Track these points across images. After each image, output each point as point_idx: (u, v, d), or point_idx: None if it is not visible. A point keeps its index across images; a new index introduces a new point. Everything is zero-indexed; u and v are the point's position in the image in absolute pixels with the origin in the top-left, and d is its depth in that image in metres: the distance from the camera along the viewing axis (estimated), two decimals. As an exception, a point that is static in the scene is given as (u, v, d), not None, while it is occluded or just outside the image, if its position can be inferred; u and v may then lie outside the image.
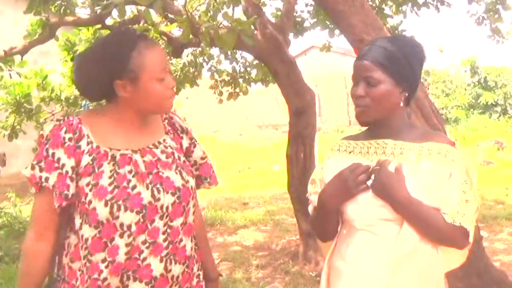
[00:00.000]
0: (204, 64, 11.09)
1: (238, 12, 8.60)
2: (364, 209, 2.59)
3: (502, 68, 32.86)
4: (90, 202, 2.48)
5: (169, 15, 7.35)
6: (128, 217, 2.47)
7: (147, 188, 2.54)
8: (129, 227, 2.48)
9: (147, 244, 2.52)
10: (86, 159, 2.54)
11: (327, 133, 29.03)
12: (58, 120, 2.64)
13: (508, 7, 9.27)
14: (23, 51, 7.68)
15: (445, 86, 33.23)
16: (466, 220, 2.51)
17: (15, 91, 8.24)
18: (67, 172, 2.52)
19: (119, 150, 2.59)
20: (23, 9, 6.91)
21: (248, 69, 11.07)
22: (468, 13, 9.85)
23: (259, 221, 11.19)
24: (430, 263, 2.59)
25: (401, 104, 2.63)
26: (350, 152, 2.77)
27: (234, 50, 9.90)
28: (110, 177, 2.50)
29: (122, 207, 2.47)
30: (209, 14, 8.07)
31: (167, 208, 2.56)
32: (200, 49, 10.23)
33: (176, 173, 2.65)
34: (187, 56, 10.84)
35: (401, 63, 2.59)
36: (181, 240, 2.63)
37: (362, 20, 5.25)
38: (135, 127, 2.69)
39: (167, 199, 2.56)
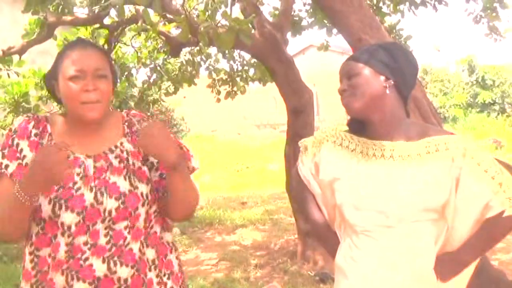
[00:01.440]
0: (202, 63, 11.09)
1: (236, 11, 8.59)
2: (362, 215, 2.60)
3: (500, 66, 32.94)
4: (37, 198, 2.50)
5: (168, 15, 7.35)
6: (68, 217, 2.50)
7: (91, 191, 2.55)
8: (69, 227, 2.51)
9: (88, 246, 2.53)
10: (33, 155, 2.59)
11: (325, 132, 29.03)
12: (27, 115, 2.74)
13: (505, 6, 9.28)
14: (21, 51, 7.68)
15: (443, 85, 33.31)
16: None
17: (13, 90, 8.23)
18: (26, 164, 2.57)
19: (73, 153, 2.61)
20: (21, 8, 6.89)
21: (246, 68, 11.07)
22: (466, 12, 9.86)
23: (257, 221, 11.19)
24: (429, 268, 2.60)
25: (387, 92, 2.62)
26: (352, 151, 2.73)
27: (232, 49, 9.90)
28: None
29: (64, 206, 2.50)
30: (207, 13, 8.05)
31: (110, 212, 2.55)
32: (197, 48, 10.23)
33: (125, 179, 2.64)
34: (184, 55, 10.85)
35: (377, 52, 2.66)
36: (128, 244, 2.59)
37: (360, 19, 5.26)
38: (90, 132, 2.71)
39: (110, 203, 2.55)
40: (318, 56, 30.36)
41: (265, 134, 30.77)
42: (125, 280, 2.57)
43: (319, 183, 2.85)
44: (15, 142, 2.62)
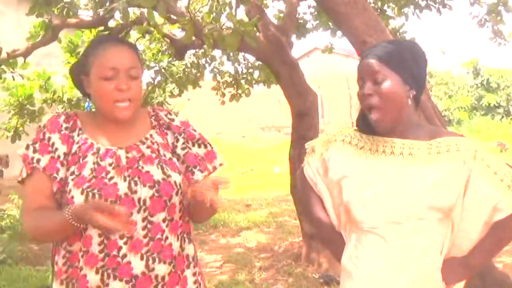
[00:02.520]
0: (207, 65, 11.09)
1: (240, 14, 8.60)
2: (369, 212, 2.59)
3: (505, 70, 32.90)
4: (70, 191, 2.51)
5: (172, 17, 7.35)
6: None
7: (124, 180, 2.54)
8: None
9: (124, 239, 2.49)
10: (74, 148, 2.60)
11: (329, 135, 29.03)
12: (57, 112, 2.75)
13: (510, 9, 9.24)
14: (26, 53, 7.68)
15: (448, 88, 33.29)
16: None
17: (18, 93, 8.26)
18: (59, 156, 2.58)
19: (104, 145, 2.64)
20: (25, 11, 6.91)
21: (251, 70, 11.06)
22: (470, 15, 9.85)
23: (262, 223, 11.20)
24: (435, 267, 2.60)
25: (409, 103, 2.61)
26: (361, 148, 2.72)
27: (237, 52, 9.90)
28: (91, 169, 2.54)
29: (97, 195, 2.47)
30: (211, 16, 8.06)
31: (144, 201, 2.53)
32: (202, 50, 10.24)
33: (158, 167, 2.62)
34: (189, 57, 10.84)
35: (406, 60, 2.57)
36: (166, 238, 2.57)
37: (365, 22, 5.25)
38: (120, 127, 2.69)
39: (144, 192, 2.53)
40: (323, 58, 30.27)
41: (270, 137, 30.76)
42: (163, 278, 2.55)
43: (326, 184, 2.82)
44: (46, 136, 2.61)
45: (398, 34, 9.52)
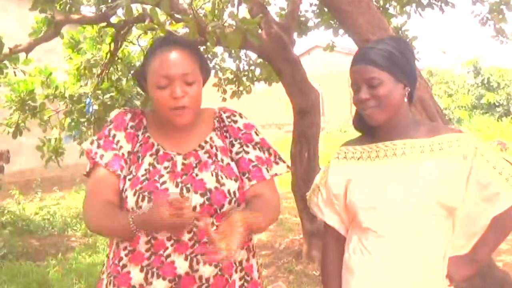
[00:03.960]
0: (208, 62, 11.07)
1: (243, 12, 8.59)
2: (377, 213, 2.61)
3: (505, 69, 32.90)
4: (125, 190, 2.57)
5: (175, 14, 7.35)
6: None
7: (176, 186, 2.55)
8: None
9: (171, 241, 2.50)
10: (137, 147, 2.67)
11: (330, 133, 29.07)
12: (124, 108, 2.77)
13: (512, 7, 9.26)
14: (28, 49, 7.67)
15: (448, 87, 33.30)
16: None
17: (19, 89, 8.25)
18: (123, 154, 2.65)
19: (164, 149, 2.67)
20: (27, 6, 6.91)
21: (252, 67, 11.05)
22: (472, 14, 9.85)
23: (262, 220, 11.17)
24: (438, 265, 2.62)
25: (405, 100, 2.64)
26: (358, 159, 2.75)
27: (239, 49, 9.89)
28: (146, 170, 2.59)
29: (147, 198, 2.50)
30: (214, 13, 8.06)
31: (194, 207, 2.49)
32: (204, 47, 10.23)
33: (212, 174, 2.61)
34: (191, 54, 10.81)
35: (398, 59, 2.59)
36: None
37: (368, 20, 5.26)
38: (181, 129, 2.70)
39: (194, 199, 2.51)
40: (324, 56, 30.32)
41: (270, 134, 30.72)
42: (207, 279, 2.53)
43: (334, 202, 2.83)
44: (111, 133, 2.67)
45: (400, 32, 9.52)
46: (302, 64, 7.94)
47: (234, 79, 11.15)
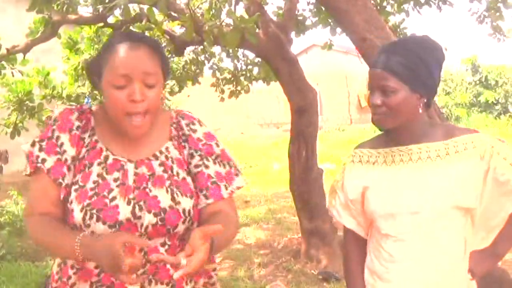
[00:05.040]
0: (206, 62, 11.09)
1: (240, 11, 8.60)
2: (396, 220, 2.61)
3: (503, 66, 32.96)
4: (71, 202, 2.32)
5: (172, 14, 7.36)
6: (99, 228, 2.27)
7: (128, 203, 2.32)
8: None
9: None
10: (83, 152, 2.40)
11: (328, 132, 29.07)
12: (70, 105, 2.50)
13: (509, 5, 9.24)
14: (26, 49, 7.68)
15: (446, 85, 33.33)
16: None
17: (17, 89, 8.26)
18: (66, 160, 2.38)
19: (114, 154, 2.42)
20: (25, 7, 6.91)
21: (250, 67, 11.07)
22: (470, 12, 9.85)
23: (260, 219, 11.20)
24: (459, 260, 2.64)
25: (420, 111, 2.58)
26: (374, 163, 2.72)
27: (236, 48, 9.90)
28: (94, 182, 2.33)
29: (95, 217, 2.27)
30: (211, 12, 8.07)
31: (146, 227, 2.31)
32: (201, 47, 10.25)
33: (167, 191, 2.38)
34: (188, 54, 10.84)
35: (417, 69, 2.51)
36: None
37: (365, 19, 5.26)
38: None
39: (147, 219, 2.31)
40: (321, 55, 30.37)
41: (268, 133, 30.78)
42: None
43: (351, 207, 2.82)
44: (55, 135, 2.39)
45: (398, 30, 9.52)
46: (300, 63, 7.94)
47: (232, 78, 11.18)
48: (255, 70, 10.99)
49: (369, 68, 2.63)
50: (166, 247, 2.37)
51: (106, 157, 2.40)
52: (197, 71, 10.90)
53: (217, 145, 2.60)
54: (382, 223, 2.65)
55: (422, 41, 2.62)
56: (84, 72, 8.61)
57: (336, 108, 33.31)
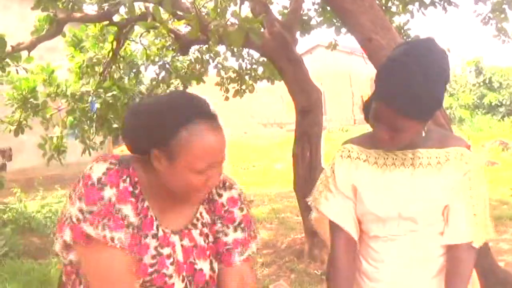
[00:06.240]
0: (211, 61, 11.10)
1: (245, 10, 8.60)
2: (389, 227, 2.61)
3: (507, 68, 32.92)
4: None
5: (178, 12, 7.36)
6: None
7: (182, 281, 2.24)
8: None
9: None
10: (137, 221, 2.16)
11: (332, 132, 29.07)
12: (111, 163, 2.16)
13: (514, 7, 9.28)
14: (30, 47, 7.69)
15: (450, 86, 33.28)
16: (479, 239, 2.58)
17: (22, 86, 8.26)
18: (132, 231, 2.12)
19: (161, 225, 2.24)
20: (29, 4, 6.93)
21: (255, 66, 11.07)
22: (475, 13, 9.86)
23: (264, 219, 11.19)
24: (440, 269, 2.63)
25: (423, 134, 2.53)
26: (364, 161, 2.68)
27: (241, 48, 9.90)
28: (153, 257, 2.17)
29: None
30: (217, 11, 8.06)
31: None
32: (206, 46, 10.25)
33: (209, 263, 2.33)
34: (193, 53, 10.85)
35: (429, 106, 2.38)
36: None
37: (371, 19, 5.25)
38: (174, 201, 2.27)
39: None
40: (325, 56, 30.32)
41: (272, 133, 30.77)
42: None
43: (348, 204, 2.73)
44: (116, 208, 2.08)
45: (402, 31, 9.53)
46: (304, 63, 7.94)
47: (237, 77, 11.18)
48: (260, 69, 11.00)
49: (379, 100, 2.43)
50: None
51: (157, 228, 2.22)
52: (202, 70, 10.90)
53: (241, 210, 2.46)
54: (371, 225, 2.64)
55: (435, 61, 2.40)
56: (88, 70, 8.63)
57: (340, 108, 33.32)
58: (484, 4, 9.59)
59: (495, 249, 7.82)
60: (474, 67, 33.64)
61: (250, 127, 32.10)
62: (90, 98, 8.59)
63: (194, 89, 13.38)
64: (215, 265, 2.36)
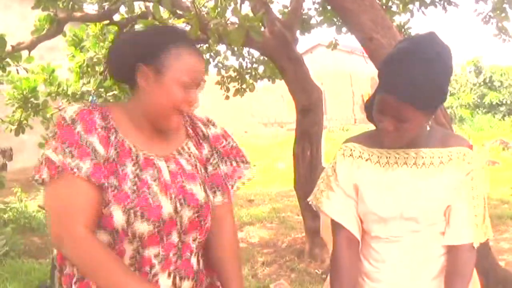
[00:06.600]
0: (211, 60, 11.09)
1: (246, 9, 8.60)
2: (391, 227, 2.60)
3: (508, 67, 32.91)
4: (108, 205, 2.20)
5: (178, 11, 7.35)
6: (143, 227, 2.21)
7: (171, 199, 2.30)
8: (140, 236, 2.22)
9: (159, 258, 2.28)
10: (111, 153, 2.25)
11: (332, 131, 29.06)
12: (84, 103, 2.33)
13: (514, 6, 9.27)
14: (31, 47, 7.69)
15: (450, 85, 33.25)
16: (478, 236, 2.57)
17: (22, 86, 8.25)
18: (99, 162, 2.21)
19: (142, 150, 2.33)
20: (30, 4, 6.93)
21: (255, 65, 11.06)
22: (475, 12, 9.85)
23: (264, 218, 11.19)
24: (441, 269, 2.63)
25: (428, 128, 2.56)
26: (367, 160, 2.67)
27: (242, 47, 9.89)
28: (132, 182, 2.24)
29: (139, 216, 2.20)
30: (217, 10, 8.05)
31: (184, 223, 2.33)
32: (207, 45, 10.24)
33: (200, 187, 2.41)
34: (193, 52, 10.82)
35: (432, 96, 2.37)
36: (190, 255, 2.39)
37: (371, 19, 5.25)
38: (157, 131, 2.39)
39: (187, 214, 2.33)
40: (326, 55, 30.38)
41: (272, 132, 30.74)
42: None
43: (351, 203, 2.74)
44: (82, 137, 2.20)
45: (403, 30, 9.52)
46: (305, 63, 7.94)
47: (237, 76, 11.17)
48: (260, 68, 10.99)
49: (382, 92, 2.44)
50: (196, 243, 2.42)
51: (137, 155, 2.31)
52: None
53: (233, 141, 2.69)
54: (372, 226, 2.64)
55: (440, 58, 2.41)
56: (89, 69, 8.62)
57: (340, 107, 33.31)
58: (484, 3, 9.60)
59: (495, 249, 7.82)
60: (473, 67, 33.64)
61: (251, 126, 32.07)
62: (90, 98, 8.57)
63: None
64: (210, 193, 2.49)
